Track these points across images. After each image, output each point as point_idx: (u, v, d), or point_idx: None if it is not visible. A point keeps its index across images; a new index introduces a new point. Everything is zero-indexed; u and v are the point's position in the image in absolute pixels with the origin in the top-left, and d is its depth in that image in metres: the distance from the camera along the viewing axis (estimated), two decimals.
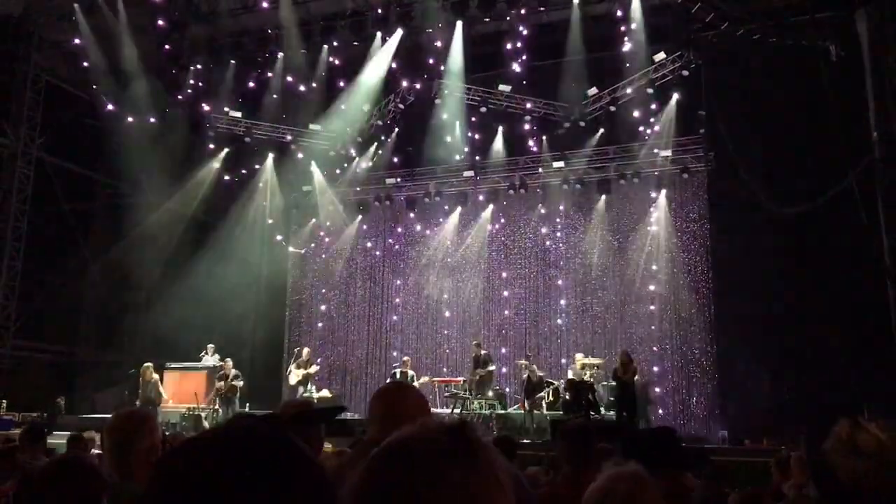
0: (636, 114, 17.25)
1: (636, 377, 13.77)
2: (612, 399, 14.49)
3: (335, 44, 17.83)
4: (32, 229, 17.44)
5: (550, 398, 14.96)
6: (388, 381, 15.88)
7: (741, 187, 14.46)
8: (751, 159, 14.64)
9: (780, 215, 14.07)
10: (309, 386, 16.62)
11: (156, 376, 15.61)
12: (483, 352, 16.07)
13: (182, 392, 16.22)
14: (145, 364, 15.68)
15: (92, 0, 17.04)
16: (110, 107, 18.10)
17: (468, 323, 18.84)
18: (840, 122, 13.01)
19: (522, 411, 14.98)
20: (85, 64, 17.76)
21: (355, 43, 17.82)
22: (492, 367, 15.93)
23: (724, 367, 15.73)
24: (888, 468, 1.97)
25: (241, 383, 15.81)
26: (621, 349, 14.43)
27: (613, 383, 13.98)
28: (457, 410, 15.07)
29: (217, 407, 15.82)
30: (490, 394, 15.71)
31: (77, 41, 17.48)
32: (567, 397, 14.14)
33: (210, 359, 17.07)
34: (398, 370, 16.84)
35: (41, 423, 14.53)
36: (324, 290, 20.48)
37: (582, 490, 2.20)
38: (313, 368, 16.93)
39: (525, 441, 13.06)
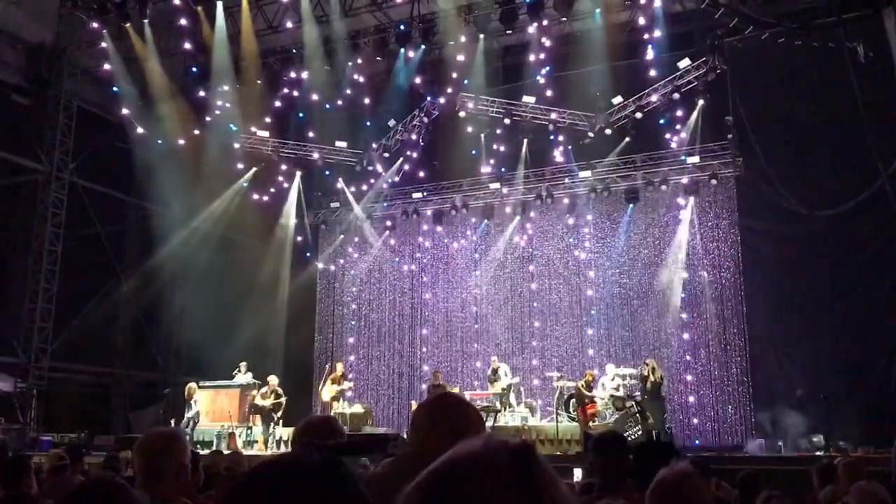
0: (662, 121, 17.17)
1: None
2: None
3: (359, 61, 17.98)
4: (67, 252, 17.72)
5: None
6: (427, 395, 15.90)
7: (771, 192, 14.30)
8: (780, 163, 14.50)
9: (812, 219, 13.89)
10: (341, 401, 16.67)
11: (197, 396, 15.74)
12: (496, 365, 16.00)
13: (216, 410, 16.32)
14: (190, 384, 15.75)
15: (120, 25, 17.37)
16: (140, 130, 18.38)
17: (498, 335, 18.77)
18: (871, 122, 12.83)
19: (556, 424, 14.85)
20: (115, 89, 18.08)
21: (378, 59, 17.96)
22: (507, 380, 15.74)
23: (759, 375, 15.52)
24: None
25: (283, 401, 15.80)
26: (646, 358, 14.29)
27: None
28: (489, 423, 15.00)
29: (252, 424, 15.92)
30: (521, 406, 15.61)
31: (107, 66, 17.83)
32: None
33: (243, 377, 17.16)
34: (429, 384, 16.76)
35: (79, 443, 14.73)
36: (353, 306, 20.55)
37: None
38: (347, 384, 16.97)
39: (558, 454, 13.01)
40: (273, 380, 15.98)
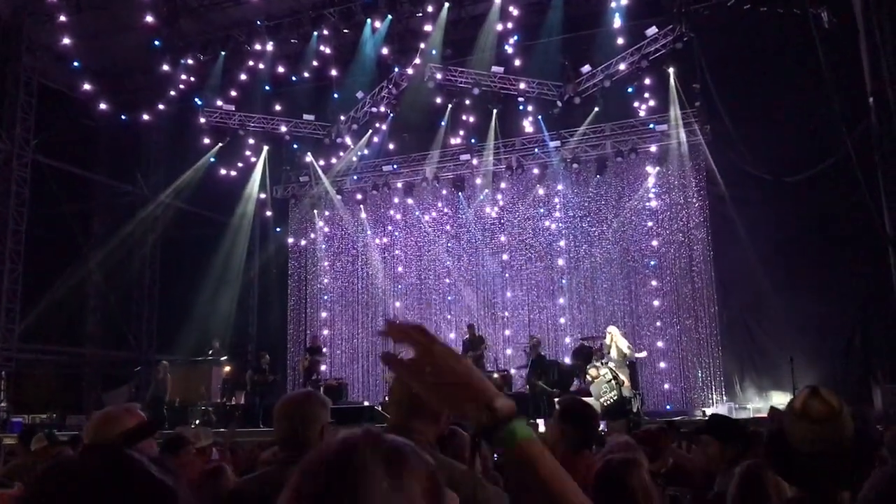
0: (630, 89, 17.15)
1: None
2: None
3: (325, 32, 17.71)
4: (32, 232, 17.39)
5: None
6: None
7: (739, 159, 14.40)
8: (747, 130, 14.56)
9: (779, 185, 14.01)
10: (315, 375, 16.71)
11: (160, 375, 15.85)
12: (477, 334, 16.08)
13: (189, 388, 16.28)
14: (163, 362, 15.90)
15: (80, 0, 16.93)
16: (103, 106, 18.02)
17: (470, 306, 18.82)
18: (835, 88, 12.93)
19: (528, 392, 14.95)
20: (75, 64, 17.68)
21: (345, 30, 17.71)
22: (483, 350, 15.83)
23: (728, 340, 15.73)
24: (834, 433, 2.03)
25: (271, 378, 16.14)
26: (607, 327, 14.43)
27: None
28: None
29: (227, 401, 16.00)
30: (495, 376, 15.68)
31: (66, 41, 17.36)
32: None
33: (216, 354, 17.13)
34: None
35: (51, 424, 14.63)
36: (325, 280, 20.47)
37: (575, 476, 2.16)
38: (320, 357, 17.06)
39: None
40: (266, 357, 16.31)
